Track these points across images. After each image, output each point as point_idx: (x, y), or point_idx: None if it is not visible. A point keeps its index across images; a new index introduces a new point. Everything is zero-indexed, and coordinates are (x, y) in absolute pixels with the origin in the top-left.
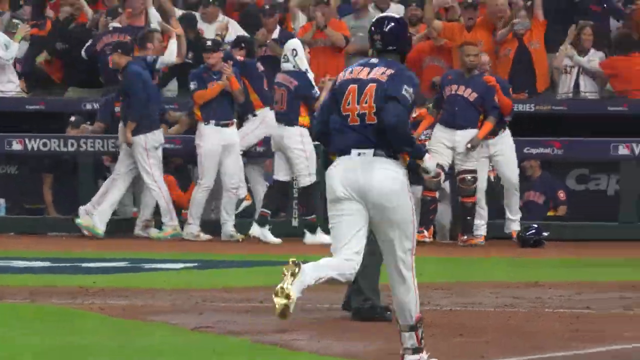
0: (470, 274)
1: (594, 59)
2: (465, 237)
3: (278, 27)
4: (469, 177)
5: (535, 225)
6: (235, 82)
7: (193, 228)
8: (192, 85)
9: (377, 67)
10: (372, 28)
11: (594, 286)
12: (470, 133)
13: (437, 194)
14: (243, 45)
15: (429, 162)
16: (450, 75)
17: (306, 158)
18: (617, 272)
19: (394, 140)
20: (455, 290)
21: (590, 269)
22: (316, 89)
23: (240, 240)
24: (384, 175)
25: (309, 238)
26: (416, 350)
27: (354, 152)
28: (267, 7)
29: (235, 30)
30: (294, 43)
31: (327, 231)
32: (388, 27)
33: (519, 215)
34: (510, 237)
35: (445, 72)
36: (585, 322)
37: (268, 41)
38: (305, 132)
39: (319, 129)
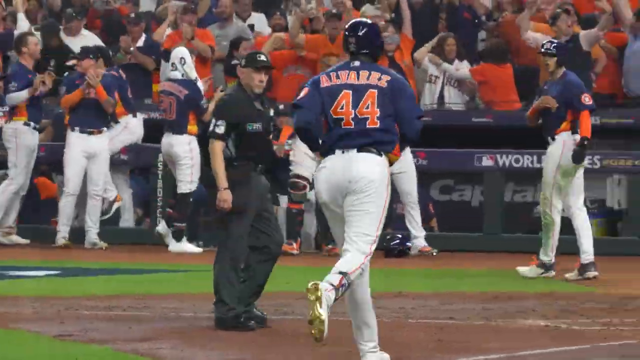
0: None
1: (462, 67)
2: (330, 246)
3: (144, 35)
4: None
5: (400, 235)
6: (101, 91)
7: (62, 234)
8: (61, 90)
9: (363, 71)
10: (347, 32)
11: (457, 297)
12: None
13: (302, 206)
14: (92, 56)
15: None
16: None
17: (191, 166)
18: (481, 282)
19: (405, 146)
20: None
21: (454, 280)
22: (205, 98)
23: (104, 248)
24: (365, 166)
25: (174, 245)
26: (333, 287)
27: (338, 151)
28: (132, 15)
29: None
30: (182, 51)
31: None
32: (362, 31)
33: (423, 232)
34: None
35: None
36: (449, 333)
37: (132, 49)
38: (194, 140)
39: (303, 127)
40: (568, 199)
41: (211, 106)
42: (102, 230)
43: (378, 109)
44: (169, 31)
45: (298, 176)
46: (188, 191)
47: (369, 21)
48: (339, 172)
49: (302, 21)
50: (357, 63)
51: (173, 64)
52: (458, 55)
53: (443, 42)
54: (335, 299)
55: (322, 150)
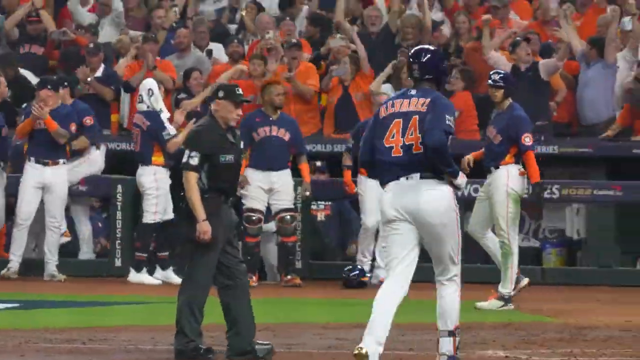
0: (295, 315)
1: None
2: (289, 277)
3: (102, 66)
4: (288, 217)
5: (360, 267)
6: (49, 122)
7: (13, 265)
8: (19, 121)
9: (413, 98)
10: (411, 59)
11: (417, 327)
12: (285, 173)
13: (259, 238)
14: (50, 86)
15: (461, 179)
16: (258, 117)
17: (156, 197)
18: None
19: (436, 161)
20: (279, 331)
21: (414, 310)
22: (169, 129)
23: (63, 280)
24: (430, 196)
25: (133, 276)
26: (451, 358)
27: (402, 178)
28: (91, 45)
29: None
30: (150, 82)
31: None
32: (425, 57)
33: None
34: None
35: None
36: None
37: (89, 79)
38: (160, 170)
39: (365, 159)
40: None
41: (181, 137)
42: (61, 262)
43: (420, 135)
44: (129, 61)
45: (252, 209)
46: (151, 222)
47: (432, 47)
48: (405, 198)
49: (260, 49)
50: (413, 91)
51: (140, 95)
52: None
53: (399, 72)
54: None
55: (381, 179)
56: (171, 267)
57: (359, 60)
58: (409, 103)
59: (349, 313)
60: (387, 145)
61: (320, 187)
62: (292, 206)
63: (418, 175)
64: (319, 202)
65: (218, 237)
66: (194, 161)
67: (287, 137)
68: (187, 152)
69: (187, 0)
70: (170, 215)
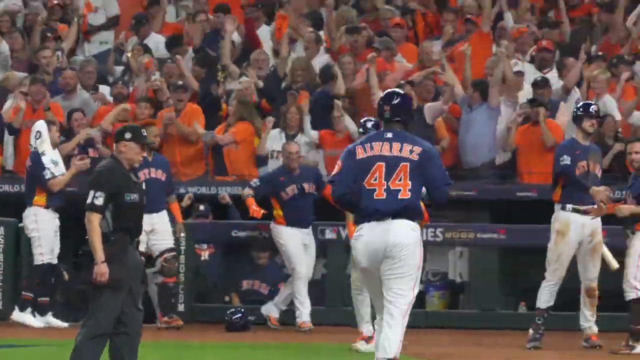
0: (177, 358)
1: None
2: (166, 317)
3: None
4: (170, 257)
5: (242, 310)
6: None
7: None
8: None
9: (395, 142)
10: (381, 101)
11: None
12: (164, 214)
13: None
14: None
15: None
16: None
17: (39, 238)
18: (329, 357)
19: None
20: None
21: (301, 355)
22: (51, 169)
23: None
24: (401, 232)
25: (16, 315)
26: None
27: (373, 221)
28: None
29: None
30: (39, 125)
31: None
32: (396, 100)
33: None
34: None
35: None
36: None
37: None
38: (40, 211)
39: (341, 196)
40: None
41: (67, 176)
42: None
43: (410, 182)
44: (15, 103)
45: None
46: (39, 263)
47: (402, 91)
48: (377, 239)
49: (146, 91)
50: (389, 134)
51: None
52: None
53: (285, 115)
54: None
55: (357, 219)
56: (50, 313)
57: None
58: (391, 147)
59: (231, 356)
60: (368, 188)
61: (202, 230)
62: (174, 246)
63: (390, 219)
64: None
65: (122, 279)
66: (99, 201)
67: (163, 177)
68: (91, 192)
69: (74, 41)
70: (55, 259)
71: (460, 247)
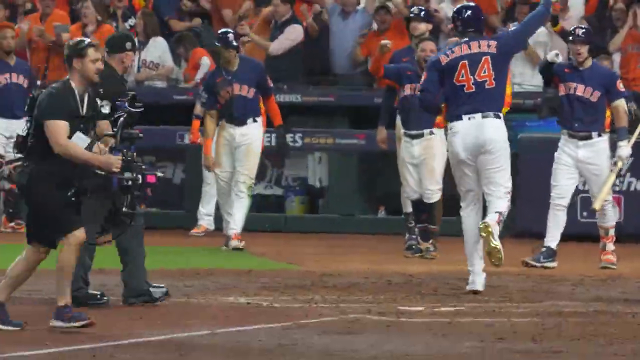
0: None
1: None
2: (13, 223)
3: None
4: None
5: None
6: None
7: None
8: None
9: (473, 42)
10: (454, 15)
11: (158, 274)
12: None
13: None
14: None
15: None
16: None
17: None
18: (180, 259)
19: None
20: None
21: (153, 256)
22: None
23: None
24: (493, 131)
25: None
26: (496, 223)
27: (465, 117)
28: None
29: None
30: None
31: None
32: (466, 14)
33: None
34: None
35: None
36: (150, 311)
37: None
38: None
39: (427, 105)
40: None
41: None
42: None
43: (493, 72)
44: None
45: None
46: None
47: (472, 4)
48: (472, 135)
49: None
50: (465, 38)
51: None
52: None
53: None
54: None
55: (449, 116)
56: None
57: None
58: (470, 47)
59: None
60: (458, 84)
61: None
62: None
63: (480, 115)
64: None
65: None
66: (106, 110)
67: (25, 83)
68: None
69: None
70: None
71: (319, 152)
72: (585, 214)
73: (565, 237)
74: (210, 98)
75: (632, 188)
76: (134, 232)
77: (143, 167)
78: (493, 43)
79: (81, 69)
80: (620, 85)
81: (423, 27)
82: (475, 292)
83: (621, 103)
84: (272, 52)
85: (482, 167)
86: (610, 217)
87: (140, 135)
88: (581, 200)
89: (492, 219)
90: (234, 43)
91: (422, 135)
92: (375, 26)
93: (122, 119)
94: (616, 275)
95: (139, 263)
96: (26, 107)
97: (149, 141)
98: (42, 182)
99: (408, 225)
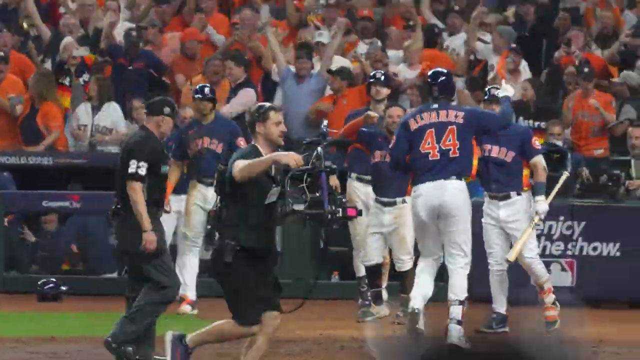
0: None
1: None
2: None
3: None
4: None
5: (54, 280)
6: None
7: None
8: None
9: (442, 110)
10: (429, 79)
11: None
12: None
13: None
14: None
15: None
16: None
17: None
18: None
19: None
20: None
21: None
22: None
23: None
24: (452, 192)
25: None
26: (459, 322)
27: (428, 181)
28: None
29: None
30: None
31: None
32: (441, 79)
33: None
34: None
35: None
36: None
37: None
38: None
39: (396, 163)
40: None
41: None
42: None
43: (458, 141)
44: None
45: None
46: None
47: (445, 70)
48: (433, 197)
49: None
50: (434, 105)
51: None
52: None
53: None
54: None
55: (413, 180)
56: None
57: None
58: (438, 115)
59: (41, 327)
60: (423, 152)
61: (10, 200)
62: None
63: (442, 179)
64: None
65: (161, 247)
66: (142, 171)
67: None
68: (133, 162)
69: None
70: None
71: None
72: None
73: (517, 303)
74: (178, 148)
75: (584, 252)
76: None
77: (343, 200)
78: (460, 114)
79: (265, 133)
80: (536, 143)
81: (385, 92)
82: (414, 311)
83: (539, 159)
84: (224, 114)
85: (444, 229)
86: (541, 272)
87: (334, 166)
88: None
89: (454, 329)
90: (209, 95)
91: (394, 204)
92: (328, 90)
93: (319, 149)
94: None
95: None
96: (215, 182)
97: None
98: (241, 260)
99: (361, 290)
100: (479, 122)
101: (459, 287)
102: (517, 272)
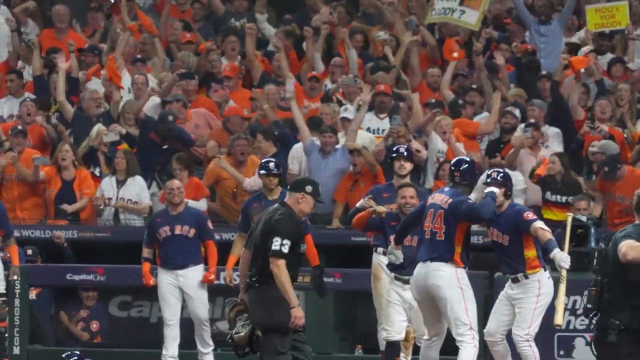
0: None
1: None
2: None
3: None
4: (0, 301)
5: (78, 352)
6: None
7: None
8: None
9: (444, 195)
10: (452, 166)
11: None
12: None
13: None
14: None
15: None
16: None
17: None
18: None
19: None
20: None
21: None
22: None
23: None
24: (436, 276)
25: None
26: None
27: (420, 263)
28: None
29: None
30: None
31: None
32: (464, 166)
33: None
34: None
35: None
36: None
37: None
38: None
39: (400, 234)
40: None
41: None
42: None
43: (443, 225)
44: None
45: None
46: None
47: (469, 158)
48: (421, 280)
49: None
50: (446, 188)
51: None
52: None
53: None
54: None
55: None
56: None
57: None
58: (441, 198)
59: None
60: (424, 229)
61: (34, 273)
62: (3, 290)
63: (429, 262)
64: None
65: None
66: (286, 249)
67: None
68: (277, 239)
69: None
70: None
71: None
72: (562, 352)
73: None
74: (244, 221)
75: None
76: None
77: None
78: (449, 200)
79: None
80: (529, 216)
81: (408, 166)
82: None
83: (535, 225)
84: (245, 188)
85: (442, 311)
86: (528, 356)
87: None
88: (558, 339)
89: None
90: (274, 170)
91: None
92: (351, 167)
93: None
94: None
95: None
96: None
97: (126, 279)
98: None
99: None
100: (460, 212)
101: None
102: None
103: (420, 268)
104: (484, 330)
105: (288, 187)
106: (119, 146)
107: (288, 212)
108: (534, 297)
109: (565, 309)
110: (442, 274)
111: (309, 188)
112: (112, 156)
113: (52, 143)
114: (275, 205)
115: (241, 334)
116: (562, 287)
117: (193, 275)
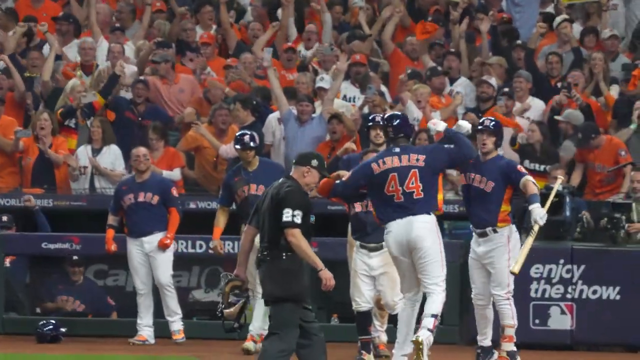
0: None
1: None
2: None
3: None
4: None
5: (53, 321)
6: None
7: None
8: None
9: (403, 155)
10: (385, 122)
11: None
12: None
13: None
14: None
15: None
16: None
17: None
18: None
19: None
20: None
21: None
22: None
23: None
24: (418, 227)
25: None
26: (430, 330)
27: (398, 220)
28: None
29: None
30: None
31: None
32: (396, 121)
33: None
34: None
35: None
36: None
37: None
38: None
39: (344, 196)
40: None
41: None
42: None
43: (421, 184)
44: None
45: None
46: None
47: (400, 113)
48: (402, 233)
49: None
50: (396, 149)
51: None
52: None
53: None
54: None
55: (384, 220)
56: None
57: None
58: (400, 159)
59: None
60: (387, 194)
61: (10, 241)
62: None
63: (410, 217)
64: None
65: (302, 293)
66: (298, 219)
67: None
68: (289, 210)
69: None
70: None
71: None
72: (537, 321)
73: (517, 346)
74: (225, 194)
75: (583, 296)
76: (317, 348)
77: None
78: (422, 157)
79: None
80: (522, 169)
81: (384, 135)
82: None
83: (527, 178)
84: (221, 154)
85: (416, 261)
86: (506, 314)
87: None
88: (533, 307)
89: (424, 334)
90: (251, 144)
91: (380, 248)
92: (328, 136)
93: None
94: None
95: None
96: None
97: (102, 248)
98: None
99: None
100: (440, 162)
101: (432, 305)
102: None
103: (400, 222)
104: (476, 294)
105: (294, 161)
106: (96, 101)
107: (295, 184)
108: (505, 255)
109: (540, 278)
110: (426, 225)
111: (314, 162)
112: (89, 113)
113: (22, 103)
114: (281, 179)
115: (231, 310)
116: (530, 240)
117: (158, 241)
